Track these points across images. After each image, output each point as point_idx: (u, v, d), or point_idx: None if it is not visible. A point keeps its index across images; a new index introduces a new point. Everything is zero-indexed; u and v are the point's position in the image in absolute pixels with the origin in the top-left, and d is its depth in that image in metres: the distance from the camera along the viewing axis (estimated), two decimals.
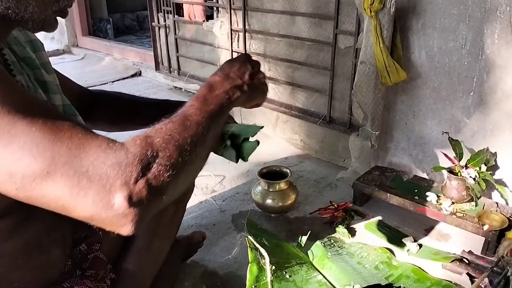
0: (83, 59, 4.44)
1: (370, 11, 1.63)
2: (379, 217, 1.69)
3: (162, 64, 3.33)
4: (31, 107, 0.56)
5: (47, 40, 4.90)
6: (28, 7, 0.64)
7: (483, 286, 1.27)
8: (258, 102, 0.88)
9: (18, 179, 0.53)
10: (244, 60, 0.85)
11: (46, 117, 0.56)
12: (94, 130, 0.60)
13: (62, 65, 4.05)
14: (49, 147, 0.53)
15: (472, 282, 1.33)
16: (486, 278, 1.28)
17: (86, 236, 0.91)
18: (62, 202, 0.54)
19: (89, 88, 1.12)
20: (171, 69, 3.22)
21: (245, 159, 0.87)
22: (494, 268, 1.31)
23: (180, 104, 1.16)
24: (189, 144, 0.62)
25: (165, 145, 0.59)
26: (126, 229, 0.55)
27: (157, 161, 0.57)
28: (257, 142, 0.86)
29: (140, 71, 3.77)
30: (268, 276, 1.22)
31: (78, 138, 0.55)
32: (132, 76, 3.74)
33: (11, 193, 0.54)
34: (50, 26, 0.71)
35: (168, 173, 0.57)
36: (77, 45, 4.78)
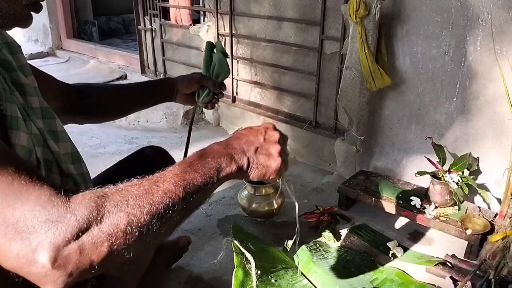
0: (68, 62, 4.39)
1: (356, 17, 1.65)
2: (364, 221, 1.70)
3: (148, 68, 3.30)
4: None
5: (31, 42, 4.83)
6: None
7: None
8: (267, 179, 0.75)
9: None
10: (261, 128, 0.74)
11: None
12: (41, 176, 0.56)
13: (46, 67, 3.98)
14: None
15: (455, 285, 1.35)
16: (469, 282, 1.30)
17: None
18: None
19: (73, 84, 1.11)
20: (157, 72, 3.20)
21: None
22: (477, 272, 1.33)
23: (164, 81, 1.16)
24: (146, 215, 0.54)
25: (115, 211, 0.53)
26: (49, 286, 0.51)
27: (99, 226, 0.51)
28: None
29: (126, 75, 3.74)
30: (254, 281, 1.22)
31: (18, 186, 0.52)
32: (118, 79, 3.70)
33: None
34: (23, 22, 0.69)
35: (108, 243, 0.52)
36: (61, 48, 4.72)
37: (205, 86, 1.14)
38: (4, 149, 0.58)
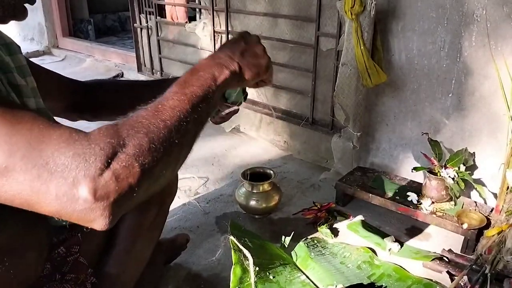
0: (64, 61, 4.38)
1: (351, 14, 1.65)
2: (361, 217, 1.71)
3: (145, 66, 3.30)
4: None
5: (27, 41, 4.82)
6: None
7: (462, 284, 1.30)
8: (262, 78, 0.79)
9: None
10: (237, 37, 0.78)
11: (5, 109, 0.53)
12: (58, 121, 0.56)
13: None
14: (6, 140, 0.50)
15: (452, 280, 1.36)
16: (465, 276, 1.31)
17: (64, 239, 0.90)
18: (25, 198, 0.51)
19: (83, 81, 1.10)
20: (153, 70, 3.20)
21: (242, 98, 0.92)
22: (473, 266, 1.34)
23: (174, 79, 1.13)
24: (163, 130, 0.56)
25: (133, 133, 0.54)
26: (98, 224, 0.51)
27: (124, 150, 0.52)
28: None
29: (122, 73, 3.73)
30: (252, 277, 1.23)
31: (38, 130, 0.52)
32: (114, 77, 3.69)
33: None
34: (20, 14, 0.69)
35: (139, 163, 0.52)
36: (57, 46, 4.71)
37: None
38: (18, 104, 0.61)
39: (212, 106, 0.69)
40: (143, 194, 0.55)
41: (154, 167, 0.54)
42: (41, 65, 1.00)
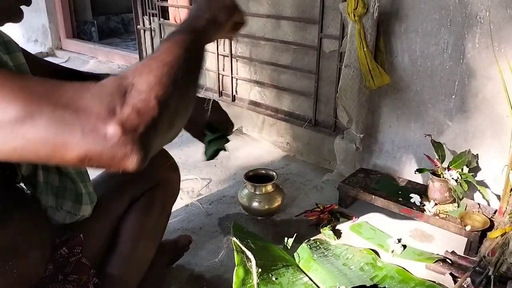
0: (67, 62, 4.39)
1: (354, 15, 1.65)
2: (364, 219, 1.71)
3: None
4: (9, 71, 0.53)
5: (31, 42, 4.84)
6: None
7: (465, 286, 1.29)
8: (236, 20, 0.80)
9: None
10: None
11: (15, 72, 0.53)
12: None
13: None
14: (22, 89, 0.49)
15: (455, 282, 1.35)
16: (469, 278, 1.30)
17: (66, 240, 0.90)
18: (50, 145, 0.48)
19: (88, 72, 1.10)
20: None
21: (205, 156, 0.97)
22: (476, 268, 1.33)
23: None
24: (165, 67, 0.55)
25: (138, 74, 0.53)
26: (131, 161, 0.49)
27: (136, 87, 0.51)
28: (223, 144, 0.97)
29: None
30: (255, 279, 1.23)
31: (52, 82, 0.51)
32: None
33: None
34: (16, 16, 0.70)
35: (153, 95, 0.51)
36: (61, 48, 4.72)
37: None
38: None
39: (201, 51, 0.68)
40: (168, 128, 0.55)
41: (168, 99, 0.53)
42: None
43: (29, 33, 4.83)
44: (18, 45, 0.82)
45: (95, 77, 1.10)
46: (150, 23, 3.07)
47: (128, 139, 0.48)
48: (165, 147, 1.20)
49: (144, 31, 3.17)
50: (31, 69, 0.81)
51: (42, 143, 0.48)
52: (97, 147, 0.47)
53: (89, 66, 4.15)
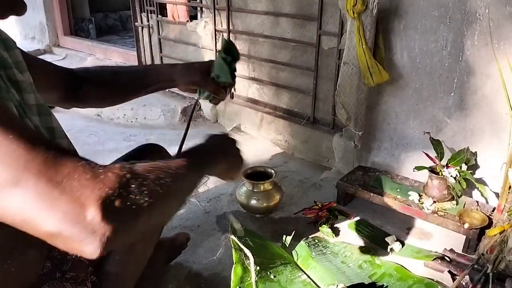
0: (65, 59, 4.37)
1: (353, 12, 1.64)
2: (363, 217, 1.71)
3: (146, 64, 3.29)
4: (8, 118, 0.53)
5: (28, 39, 4.81)
6: None
7: (464, 284, 1.29)
8: (233, 174, 0.91)
9: None
10: (223, 137, 0.89)
11: (23, 128, 0.53)
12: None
13: None
14: (24, 154, 0.50)
15: (454, 279, 1.35)
16: (467, 276, 1.30)
17: None
18: (30, 215, 0.50)
19: (74, 69, 1.10)
20: None
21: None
22: (475, 266, 1.34)
23: (163, 66, 1.11)
24: (169, 178, 0.60)
25: (146, 174, 0.57)
26: (91, 248, 0.51)
27: (137, 184, 0.54)
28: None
29: None
30: (253, 276, 1.22)
31: (55, 152, 0.52)
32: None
33: None
34: (19, 7, 0.70)
35: (146, 199, 0.54)
36: (58, 45, 4.70)
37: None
38: (32, 128, 0.63)
39: (196, 183, 0.75)
40: (135, 234, 0.56)
41: (156, 208, 0.57)
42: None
43: (26, 30, 4.80)
44: (15, 42, 0.82)
45: (104, 72, 1.12)
46: (148, 20, 3.06)
47: (103, 227, 0.50)
48: (164, 144, 1.20)
49: (142, 28, 3.15)
50: (29, 66, 0.80)
51: (23, 212, 0.50)
52: (71, 228, 0.49)
53: (86, 63, 4.13)
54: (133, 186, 0.54)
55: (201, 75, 1.08)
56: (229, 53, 1.05)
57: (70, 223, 0.49)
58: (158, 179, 0.58)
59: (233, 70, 1.06)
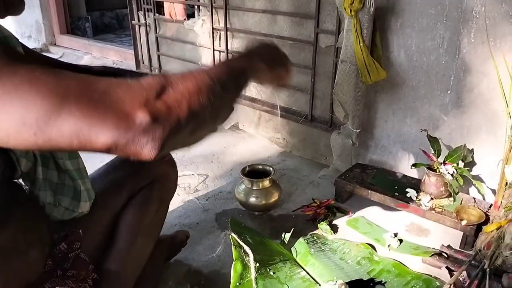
0: (61, 58, 4.36)
1: (350, 10, 1.65)
2: (361, 214, 1.72)
3: (143, 63, 3.29)
4: (27, 61, 0.54)
5: (24, 38, 4.79)
6: None
7: (461, 279, 1.30)
8: (282, 75, 0.87)
9: (34, 123, 0.50)
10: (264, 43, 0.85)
11: (43, 66, 0.54)
12: None
13: None
14: (57, 83, 0.51)
15: (451, 275, 1.37)
16: (464, 271, 1.31)
17: (65, 235, 0.90)
18: (83, 135, 0.51)
19: (77, 65, 1.09)
20: (152, 67, 3.19)
21: None
22: (472, 262, 1.35)
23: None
24: (207, 81, 0.59)
25: (181, 78, 0.57)
26: (148, 149, 0.52)
27: (174, 88, 0.55)
28: None
29: None
30: (252, 273, 1.23)
31: (83, 76, 0.54)
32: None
33: (30, 141, 0.51)
34: (17, 7, 0.70)
35: (187, 101, 0.55)
36: (55, 44, 4.69)
37: None
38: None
39: (242, 83, 0.73)
40: (188, 135, 0.58)
41: (199, 110, 0.57)
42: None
43: (23, 29, 4.79)
44: (17, 39, 0.82)
45: (94, 71, 1.10)
46: (145, 18, 3.06)
47: (152, 129, 0.51)
48: None
49: (139, 26, 3.15)
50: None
51: (76, 135, 0.51)
52: (125, 136, 0.51)
53: (83, 62, 4.12)
54: (172, 90, 0.55)
55: None
56: None
57: (122, 131, 0.51)
58: (197, 82, 0.58)
59: None
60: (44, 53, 4.58)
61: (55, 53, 4.53)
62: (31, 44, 4.64)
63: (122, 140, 0.51)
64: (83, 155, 0.90)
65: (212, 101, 0.59)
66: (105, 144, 0.51)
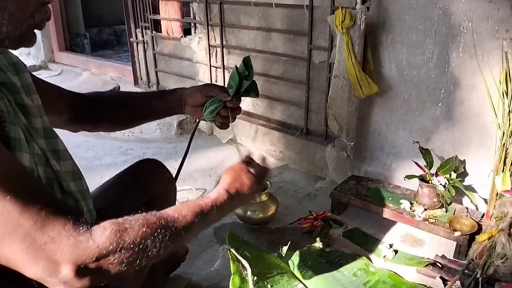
0: (60, 75, 4.41)
1: (342, 27, 1.70)
2: (356, 225, 1.74)
3: (141, 79, 3.34)
4: (10, 176, 0.60)
5: (23, 55, 4.84)
6: (2, 27, 0.66)
7: None
8: (253, 199, 0.96)
9: None
10: (242, 169, 0.90)
11: (23, 186, 0.61)
12: (67, 206, 0.70)
13: None
14: (16, 217, 0.58)
15: (445, 285, 1.39)
16: (458, 281, 1.34)
17: None
18: (15, 262, 0.59)
19: (84, 94, 1.13)
20: (150, 83, 3.24)
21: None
22: (465, 271, 1.38)
23: (174, 92, 1.15)
24: (158, 248, 0.66)
25: (131, 247, 0.63)
26: None
27: (116, 256, 0.61)
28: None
29: (119, 86, 3.76)
30: (251, 286, 1.25)
31: (46, 213, 0.60)
32: (112, 91, 3.73)
33: None
34: (29, 41, 0.72)
35: (121, 266, 0.62)
36: (53, 61, 4.74)
37: (211, 96, 1.08)
38: (34, 178, 0.70)
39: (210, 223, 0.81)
40: (107, 281, 0.65)
41: (132, 267, 0.64)
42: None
43: None
44: (25, 65, 0.86)
45: (98, 97, 1.14)
46: (143, 36, 3.11)
47: (73, 284, 0.60)
48: (160, 158, 1.23)
49: (137, 43, 3.20)
50: (37, 90, 0.84)
51: (9, 260, 0.60)
52: (47, 280, 0.60)
53: (82, 78, 4.17)
54: (113, 258, 0.61)
55: (219, 87, 1.10)
56: (246, 69, 1.07)
57: (47, 276, 0.59)
58: (145, 251, 0.64)
59: (243, 85, 1.07)
60: (42, 70, 4.62)
61: (53, 70, 4.57)
62: (30, 61, 4.69)
63: (44, 280, 0.60)
64: (82, 171, 0.93)
65: (153, 257, 0.67)
66: (31, 276, 0.60)
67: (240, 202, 0.88)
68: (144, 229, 0.65)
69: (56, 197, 0.76)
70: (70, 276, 0.58)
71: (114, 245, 0.61)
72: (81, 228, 0.61)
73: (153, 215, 0.69)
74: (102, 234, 0.61)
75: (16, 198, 0.58)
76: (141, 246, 0.64)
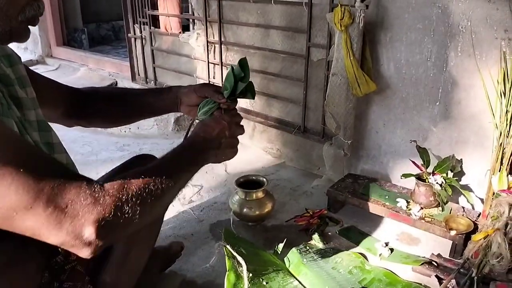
0: (58, 70, 4.39)
1: (341, 25, 1.70)
2: (353, 223, 1.74)
3: (139, 75, 3.33)
4: (20, 150, 0.63)
5: (20, 50, 4.82)
6: None
7: (450, 287, 1.33)
8: (227, 159, 1.05)
9: (3, 210, 0.59)
10: (219, 124, 0.99)
11: (34, 158, 0.64)
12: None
13: None
14: (34, 186, 0.60)
15: (441, 283, 1.39)
16: (453, 280, 1.35)
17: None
18: (39, 232, 0.62)
19: (80, 88, 1.12)
20: (147, 79, 3.23)
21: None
22: (461, 270, 1.38)
23: (170, 90, 1.17)
24: (161, 192, 0.73)
25: (139, 193, 0.69)
26: (87, 253, 0.65)
27: (130, 205, 0.67)
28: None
29: (116, 82, 3.75)
30: (246, 283, 1.25)
31: (61, 178, 0.63)
32: (108, 86, 3.71)
33: None
34: (20, 36, 0.72)
35: (135, 216, 0.68)
36: (51, 56, 4.72)
37: (206, 97, 1.07)
38: (41, 150, 0.75)
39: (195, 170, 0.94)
40: (129, 233, 0.73)
41: (146, 218, 0.72)
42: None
43: None
44: (20, 57, 0.85)
45: (94, 92, 1.13)
46: (141, 32, 3.10)
47: (96, 242, 0.65)
48: (157, 154, 1.23)
49: (135, 39, 3.19)
50: (32, 83, 0.83)
51: (33, 230, 0.62)
52: (71, 242, 0.63)
53: (79, 73, 4.15)
54: (127, 207, 0.66)
55: (214, 88, 1.09)
56: (242, 70, 1.06)
57: (71, 238, 0.63)
58: (151, 193, 0.71)
59: (239, 87, 1.05)
60: (40, 65, 4.60)
61: (51, 65, 4.55)
62: (27, 56, 4.67)
63: (68, 244, 0.63)
64: (78, 166, 0.93)
65: (161, 204, 0.77)
66: (54, 243, 0.64)
67: (213, 144, 0.98)
68: (142, 177, 0.72)
69: (65, 165, 0.79)
70: (93, 236, 0.62)
71: (125, 195, 0.67)
72: (95, 187, 0.65)
73: (143, 167, 0.76)
74: (113, 188, 0.67)
75: (30, 169, 0.60)
76: (146, 191, 0.70)
